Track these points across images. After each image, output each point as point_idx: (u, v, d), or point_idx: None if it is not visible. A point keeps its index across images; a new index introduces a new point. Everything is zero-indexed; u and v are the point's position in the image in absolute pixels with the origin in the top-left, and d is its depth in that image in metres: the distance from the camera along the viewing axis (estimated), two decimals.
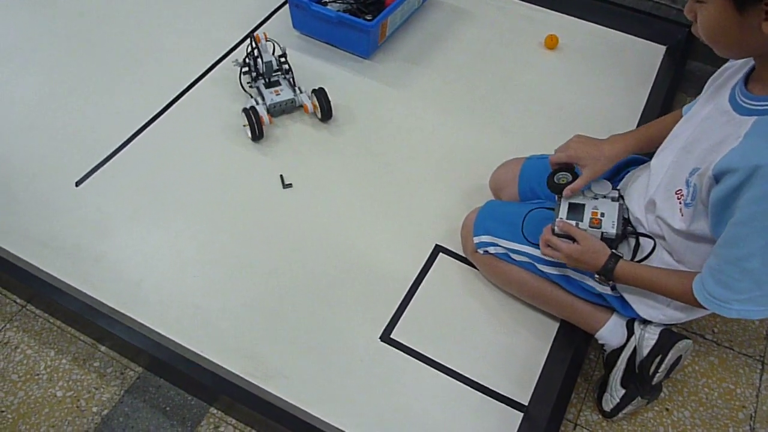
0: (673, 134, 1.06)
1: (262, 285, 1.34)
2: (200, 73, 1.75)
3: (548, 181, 1.17)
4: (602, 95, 1.73)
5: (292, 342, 1.26)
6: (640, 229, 1.10)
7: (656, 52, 1.86)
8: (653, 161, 1.08)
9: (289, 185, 1.50)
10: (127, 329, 1.25)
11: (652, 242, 1.07)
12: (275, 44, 1.65)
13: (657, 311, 1.10)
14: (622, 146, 1.13)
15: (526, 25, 1.93)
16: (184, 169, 1.53)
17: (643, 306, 1.11)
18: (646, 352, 1.12)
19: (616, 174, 1.24)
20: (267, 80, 1.64)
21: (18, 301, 1.37)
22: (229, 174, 1.53)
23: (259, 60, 1.61)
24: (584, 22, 1.94)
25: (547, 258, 1.15)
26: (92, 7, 1.95)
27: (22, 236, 1.40)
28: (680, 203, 0.99)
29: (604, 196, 1.13)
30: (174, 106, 1.67)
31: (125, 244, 1.40)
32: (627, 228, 1.11)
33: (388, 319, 1.29)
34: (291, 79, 1.66)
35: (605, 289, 1.14)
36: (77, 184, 1.50)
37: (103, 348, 1.31)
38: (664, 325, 1.13)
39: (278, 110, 1.64)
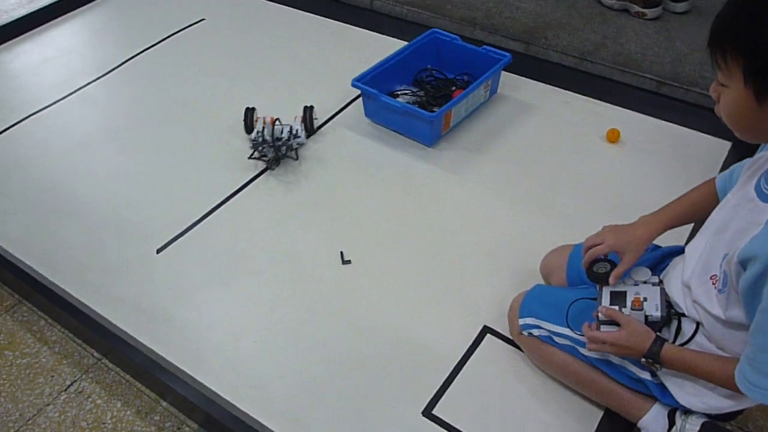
0: (709, 219, 1.08)
1: (314, 354, 1.41)
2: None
3: (587, 273, 1.21)
4: (663, 189, 1.74)
5: (337, 410, 1.31)
6: None
7: (721, 147, 1.87)
8: (688, 246, 1.10)
9: (348, 261, 1.59)
10: (186, 386, 1.35)
11: (694, 326, 1.08)
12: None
13: (697, 399, 1.09)
14: (654, 226, 1.17)
15: (589, 119, 1.99)
16: (255, 242, 1.66)
17: (683, 393, 1.10)
18: None
19: (660, 263, 1.26)
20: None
21: (95, 354, 1.51)
22: (294, 248, 1.64)
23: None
24: (647, 117, 1.98)
25: (593, 354, 1.17)
26: (191, 96, 2.18)
27: (105, 295, 1.54)
28: (715, 289, 1.00)
29: (645, 282, 1.16)
30: (250, 185, 1.82)
31: (195, 308, 1.51)
32: (671, 310, 1.12)
33: (432, 395, 1.33)
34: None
35: (645, 375, 1.14)
36: (158, 251, 1.65)
37: (164, 403, 1.40)
38: (706, 415, 1.11)
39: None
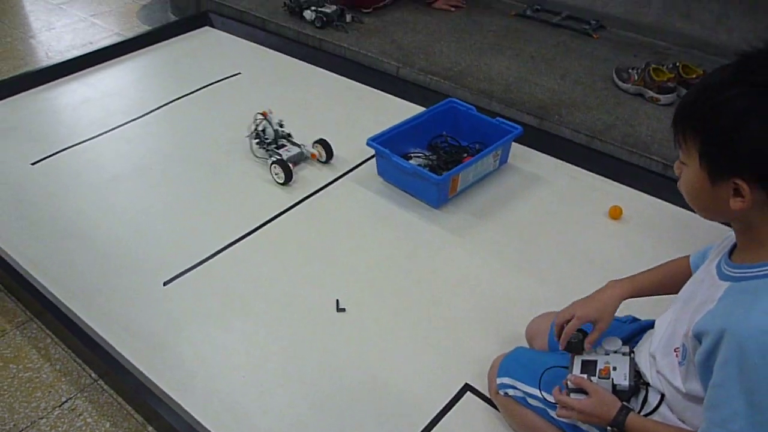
0: (680, 292, 1.12)
1: (299, 393, 1.46)
2: (290, 205, 2.00)
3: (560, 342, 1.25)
4: None
5: None
6: None
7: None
8: (659, 318, 1.14)
9: (343, 309, 1.65)
10: (173, 413, 1.41)
11: (659, 396, 1.10)
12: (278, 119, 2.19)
13: None
14: (620, 289, 1.23)
15: (594, 195, 2.05)
16: (255, 284, 1.74)
17: None
18: None
19: (636, 335, 1.29)
20: (276, 145, 2.16)
21: (93, 375, 1.58)
22: (293, 293, 1.71)
23: (267, 129, 2.17)
24: (651, 197, 2.04)
25: (563, 420, 1.20)
26: (218, 142, 2.31)
27: (110, 320, 1.62)
28: (677, 361, 1.04)
29: (615, 352, 1.19)
30: (259, 230, 1.91)
31: (191, 340, 1.58)
32: (639, 380, 1.15)
33: None
34: (293, 141, 2.19)
35: None
36: (165, 283, 1.73)
37: (150, 428, 1.46)
38: None
39: (293, 161, 2.14)
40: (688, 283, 1.12)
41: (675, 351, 1.05)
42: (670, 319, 1.10)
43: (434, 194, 1.95)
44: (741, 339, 0.86)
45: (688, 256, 1.23)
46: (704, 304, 0.96)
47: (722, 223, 1.08)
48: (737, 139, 0.86)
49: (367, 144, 2.02)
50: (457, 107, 2.21)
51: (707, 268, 1.05)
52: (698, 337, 0.94)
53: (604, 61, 2.64)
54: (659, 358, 1.09)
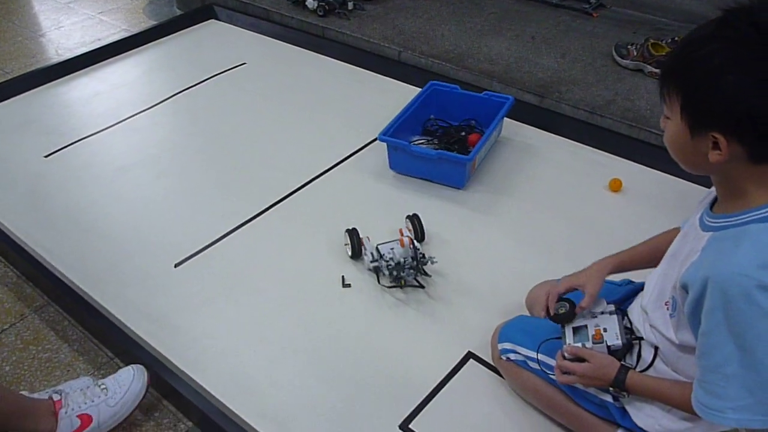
0: (668, 249, 1.15)
1: (306, 366, 1.51)
2: (295, 188, 2.05)
3: (548, 314, 1.29)
4: None
5: (321, 417, 1.40)
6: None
7: None
8: (649, 274, 1.18)
9: (348, 285, 1.70)
10: (187, 387, 1.47)
11: (653, 351, 1.14)
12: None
13: (654, 421, 1.14)
14: (602, 263, 1.28)
15: (594, 169, 2.08)
16: (264, 263, 1.79)
17: (641, 415, 1.15)
18: None
19: (629, 298, 1.32)
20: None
21: (108, 354, 1.64)
22: (300, 270, 1.76)
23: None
24: (651, 169, 2.06)
25: (564, 384, 1.24)
26: (225, 131, 2.36)
27: (124, 302, 1.68)
28: (668, 313, 1.07)
29: (602, 313, 1.23)
30: (266, 213, 1.96)
31: (202, 318, 1.63)
32: (631, 336, 1.18)
33: (411, 410, 1.40)
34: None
35: (606, 397, 1.20)
36: (176, 265, 1.79)
37: (165, 401, 1.51)
38: None
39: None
40: (675, 239, 1.15)
41: (665, 304, 1.08)
42: (659, 274, 1.13)
43: (462, 175, 1.98)
44: (723, 285, 0.90)
45: (678, 228, 1.25)
46: (689, 256, 1.00)
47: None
48: (714, 94, 0.89)
49: (379, 140, 2.00)
50: (440, 89, 2.22)
51: (692, 222, 1.08)
52: (685, 288, 0.97)
53: (603, 39, 2.66)
54: (650, 312, 1.12)
